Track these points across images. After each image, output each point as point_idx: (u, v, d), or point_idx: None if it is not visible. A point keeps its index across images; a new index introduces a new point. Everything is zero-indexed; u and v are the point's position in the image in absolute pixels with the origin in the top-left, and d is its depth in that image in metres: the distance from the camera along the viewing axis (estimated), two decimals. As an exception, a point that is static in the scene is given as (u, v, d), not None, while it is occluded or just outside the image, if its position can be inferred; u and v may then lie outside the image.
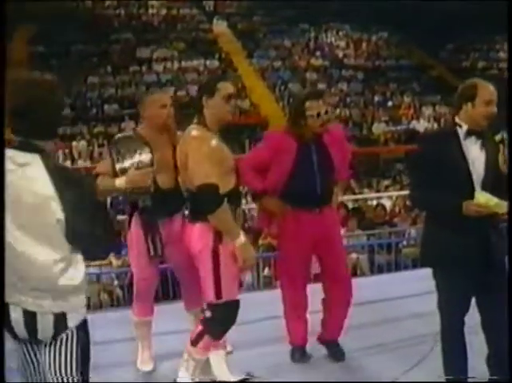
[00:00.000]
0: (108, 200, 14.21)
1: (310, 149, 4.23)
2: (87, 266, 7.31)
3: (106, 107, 20.46)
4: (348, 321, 4.74)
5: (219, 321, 3.88)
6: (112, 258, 8.48)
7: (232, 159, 3.85)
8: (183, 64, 23.20)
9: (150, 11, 26.82)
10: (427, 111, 22.60)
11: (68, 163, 17.00)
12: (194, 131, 3.78)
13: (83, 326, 2.66)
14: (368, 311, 5.55)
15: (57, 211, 2.46)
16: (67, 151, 17.57)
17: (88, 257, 2.70)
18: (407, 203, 10.93)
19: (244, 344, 4.76)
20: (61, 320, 2.57)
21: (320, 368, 4.41)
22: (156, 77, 22.41)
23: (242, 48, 24.90)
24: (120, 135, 4.24)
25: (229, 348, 4.61)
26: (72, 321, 2.60)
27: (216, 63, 23.60)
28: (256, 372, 4.31)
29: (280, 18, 26.90)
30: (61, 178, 2.49)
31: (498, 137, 3.51)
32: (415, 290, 5.76)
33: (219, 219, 3.63)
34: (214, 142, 3.72)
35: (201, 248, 3.78)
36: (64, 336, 2.61)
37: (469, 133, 3.50)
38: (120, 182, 3.85)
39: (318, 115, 4.14)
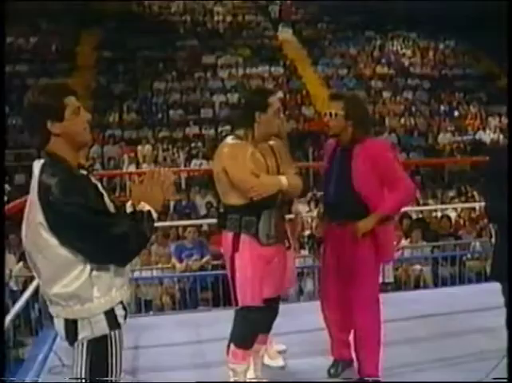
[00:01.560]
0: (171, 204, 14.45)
1: (338, 156, 4.18)
2: (149, 270, 7.48)
3: (171, 112, 20.67)
4: (411, 333, 4.67)
5: (237, 327, 3.90)
6: (175, 261, 8.59)
7: (266, 166, 3.88)
8: (248, 70, 23.27)
9: (215, 18, 27.04)
10: (494, 121, 22.13)
11: (132, 167, 17.24)
12: (229, 141, 3.93)
13: (98, 342, 2.63)
14: (430, 324, 5.47)
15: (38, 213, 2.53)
16: (132, 155, 17.78)
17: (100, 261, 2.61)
18: (482, 215, 10.74)
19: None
20: (70, 326, 2.62)
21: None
22: (221, 83, 22.54)
23: (307, 55, 24.86)
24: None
25: (281, 346, 4.62)
26: (83, 333, 2.61)
27: (281, 70, 23.60)
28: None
29: (345, 25, 26.76)
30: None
31: None
32: (479, 304, 5.66)
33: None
34: (250, 150, 3.82)
35: (224, 255, 3.99)
36: (76, 346, 2.64)
37: None
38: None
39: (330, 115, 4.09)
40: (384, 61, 25.14)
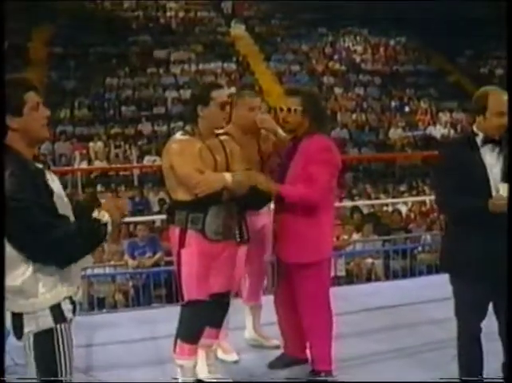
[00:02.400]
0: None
1: (286, 149, 4.23)
2: (102, 267, 7.40)
3: (123, 108, 20.51)
4: (363, 326, 4.72)
5: (183, 322, 3.91)
6: (127, 258, 8.53)
7: (214, 163, 3.85)
8: (201, 66, 23.22)
9: (168, 13, 26.89)
10: (444, 117, 22.46)
11: (84, 164, 17.06)
12: (178, 136, 3.93)
13: (44, 336, 2.62)
14: (383, 316, 5.53)
15: None
16: (84, 151, 17.60)
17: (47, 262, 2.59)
18: (433, 208, 10.90)
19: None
20: (17, 321, 2.62)
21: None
22: (174, 79, 22.44)
23: (259, 51, 24.89)
24: None
25: (234, 357, 4.63)
26: (28, 327, 2.61)
27: (233, 66, 23.61)
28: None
29: (298, 22, 26.87)
30: None
31: None
32: (430, 295, 5.75)
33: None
34: (197, 146, 3.82)
35: (172, 251, 4.06)
36: (23, 341, 2.65)
37: (485, 141, 3.56)
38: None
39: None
40: (335, 57, 25.32)
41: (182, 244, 3.83)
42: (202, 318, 3.90)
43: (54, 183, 2.70)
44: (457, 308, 3.67)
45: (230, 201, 3.85)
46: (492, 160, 3.52)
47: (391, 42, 27.09)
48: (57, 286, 2.63)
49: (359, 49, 26.39)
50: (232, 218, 3.95)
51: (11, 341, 2.72)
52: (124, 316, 6.32)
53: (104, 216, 2.62)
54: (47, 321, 2.62)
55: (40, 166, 2.66)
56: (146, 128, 19.52)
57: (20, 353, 2.73)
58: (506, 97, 3.48)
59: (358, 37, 27.07)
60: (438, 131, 21.49)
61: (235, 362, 4.58)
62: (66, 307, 2.67)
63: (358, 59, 25.64)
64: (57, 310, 2.63)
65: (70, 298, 2.70)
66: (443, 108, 22.99)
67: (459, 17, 24.71)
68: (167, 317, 4.72)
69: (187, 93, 21.23)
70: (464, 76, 24.90)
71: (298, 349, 4.43)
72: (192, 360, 3.98)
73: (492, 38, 26.34)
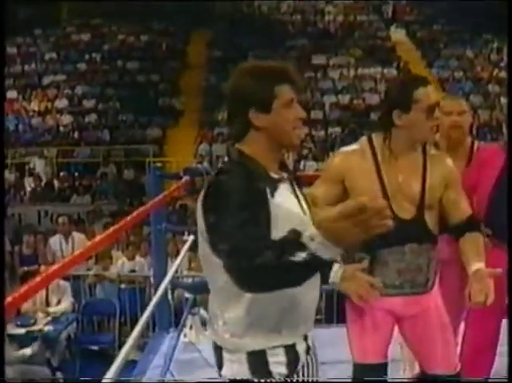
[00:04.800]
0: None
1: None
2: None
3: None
4: None
5: None
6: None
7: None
8: (360, 71, 22.72)
9: (326, 18, 26.62)
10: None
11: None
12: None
13: None
14: None
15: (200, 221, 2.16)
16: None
17: None
18: None
19: None
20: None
21: None
22: (332, 84, 22.07)
23: (421, 57, 24.07)
24: None
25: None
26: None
27: (394, 72, 22.91)
28: None
29: (462, 28, 25.77)
30: None
31: None
32: None
33: None
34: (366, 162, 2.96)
35: None
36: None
37: None
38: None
39: None
40: (501, 64, 24.02)
41: None
42: None
43: (285, 197, 2.15)
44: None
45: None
46: None
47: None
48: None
49: (526, 56, 24.92)
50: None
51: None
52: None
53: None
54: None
55: (276, 176, 2.16)
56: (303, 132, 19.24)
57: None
58: None
59: (526, 43, 25.59)
60: None
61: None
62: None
63: (526, 66, 24.19)
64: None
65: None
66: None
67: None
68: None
69: (345, 98, 20.89)
70: None
71: None
72: None
73: None
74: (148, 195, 8.39)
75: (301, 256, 1.73)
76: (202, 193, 2.09)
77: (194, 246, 5.63)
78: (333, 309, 7.11)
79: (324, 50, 23.80)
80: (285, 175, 2.20)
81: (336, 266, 2.61)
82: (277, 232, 1.96)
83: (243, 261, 1.84)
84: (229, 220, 1.93)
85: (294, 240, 1.77)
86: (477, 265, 2.81)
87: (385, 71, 22.68)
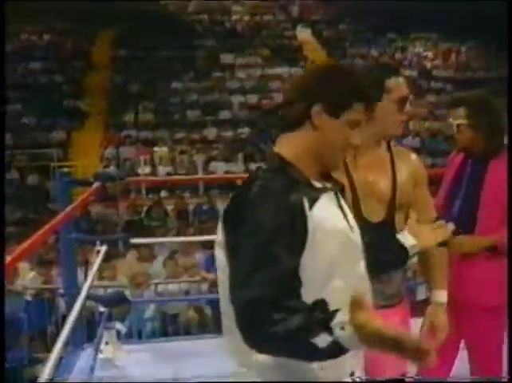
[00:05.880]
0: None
1: (469, 171, 3.45)
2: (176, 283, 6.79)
3: (189, 113, 20.12)
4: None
5: None
6: (203, 273, 7.97)
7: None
8: (267, 71, 22.74)
9: (234, 17, 26.57)
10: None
11: (148, 170, 16.68)
12: None
13: None
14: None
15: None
16: (148, 156, 17.25)
17: None
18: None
19: None
20: None
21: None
22: (240, 84, 21.98)
23: (327, 56, 24.30)
24: None
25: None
26: None
27: (301, 71, 23.04)
28: None
29: (367, 27, 26.21)
30: None
31: None
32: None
33: None
34: None
35: None
36: None
37: None
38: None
39: None
40: (405, 63, 24.54)
41: None
42: None
43: (328, 210, 1.84)
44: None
45: None
46: None
47: (463, 48, 26.19)
48: None
49: (429, 54, 25.57)
50: None
51: None
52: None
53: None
54: None
55: (318, 185, 1.85)
56: (211, 133, 19.08)
57: None
58: None
59: (428, 43, 26.25)
60: (514, 139, 20.51)
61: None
62: None
63: (429, 65, 24.81)
64: None
65: None
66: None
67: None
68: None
69: (253, 98, 20.83)
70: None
71: None
72: None
73: None
74: (54, 202, 7.99)
75: (325, 340, 1.48)
76: (228, 203, 1.82)
77: (107, 256, 5.34)
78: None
79: (231, 50, 23.72)
80: (328, 185, 1.91)
81: None
82: (314, 255, 1.72)
83: (257, 321, 1.57)
84: (249, 256, 1.65)
85: (324, 318, 1.50)
86: (440, 294, 2.74)
87: (292, 70, 22.79)
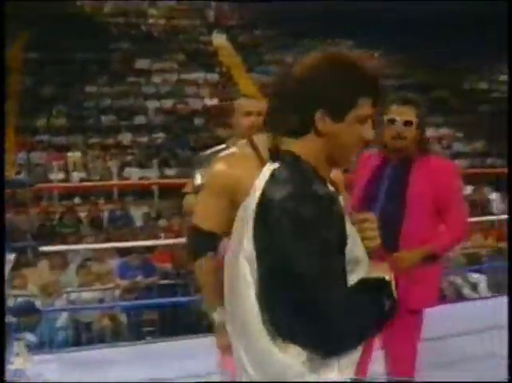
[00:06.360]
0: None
1: (390, 171, 3.55)
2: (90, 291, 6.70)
3: (103, 117, 19.83)
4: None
5: None
6: (117, 280, 7.89)
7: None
8: (183, 76, 22.66)
9: (150, 20, 26.32)
10: (429, 132, 22.10)
11: (61, 176, 16.36)
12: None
13: None
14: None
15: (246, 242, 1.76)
16: (61, 162, 16.90)
17: None
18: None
19: None
20: None
21: None
22: (155, 89, 21.83)
23: (242, 62, 24.40)
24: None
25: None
26: None
27: (216, 77, 23.08)
28: None
29: (283, 33, 26.45)
30: None
31: None
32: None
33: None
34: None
35: None
36: None
37: None
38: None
39: None
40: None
41: None
42: None
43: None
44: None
45: None
46: None
47: (376, 54, 26.79)
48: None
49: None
50: None
51: None
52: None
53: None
54: None
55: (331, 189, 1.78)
56: (126, 138, 18.86)
57: None
58: None
59: (344, 49, 26.70)
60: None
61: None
62: None
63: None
64: None
65: None
66: (428, 123, 22.58)
67: (445, 31, 24.56)
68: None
69: (168, 103, 20.72)
70: (448, 91, 24.67)
71: None
72: None
73: (474, 54, 26.43)
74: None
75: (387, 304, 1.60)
76: (256, 205, 1.68)
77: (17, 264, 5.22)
78: (167, 322, 6.97)
79: (147, 54, 23.51)
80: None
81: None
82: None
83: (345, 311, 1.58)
84: (317, 258, 1.58)
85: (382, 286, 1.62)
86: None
87: (208, 76, 22.81)
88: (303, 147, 1.75)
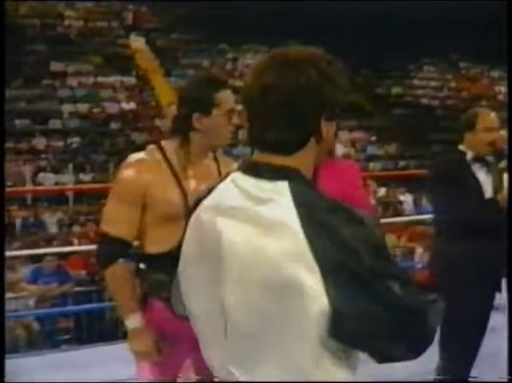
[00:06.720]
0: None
1: None
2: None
3: (17, 121, 19.42)
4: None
5: None
6: (28, 286, 7.81)
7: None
8: (99, 79, 22.42)
9: (66, 22, 25.84)
10: (344, 136, 22.58)
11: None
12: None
13: None
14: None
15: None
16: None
17: None
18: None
19: None
20: None
21: None
22: (71, 92, 21.52)
23: (160, 66, 24.33)
24: None
25: None
26: None
27: (133, 80, 22.95)
28: None
29: (199, 37, 26.50)
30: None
31: (501, 165, 3.67)
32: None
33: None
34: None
35: None
36: None
37: (475, 160, 3.68)
38: None
39: None
40: (236, 73, 25.08)
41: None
42: None
43: None
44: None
45: None
46: (482, 179, 3.65)
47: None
48: None
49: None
50: None
51: None
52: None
53: None
54: None
55: None
56: (40, 142, 18.55)
57: None
58: (494, 115, 3.66)
59: (259, 55, 26.99)
60: (338, 149, 21.47)
61: None
62: None
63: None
64: None
65: None
66: (343, 126, 23.11)
67: (358, 37, 25.12)
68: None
69: (84, 107, 20.47)
70: (361, 95, 25.24)
71: None
72: None
73: (388, 59, 27.13)
74: None
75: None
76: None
77: None
78: (82, 329, 6.94)
79: (63, 56, 23.10)
80: None
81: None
82: None
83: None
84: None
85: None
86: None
87: (124, 79, 22.65)
88: (304, 163, 1.57)
